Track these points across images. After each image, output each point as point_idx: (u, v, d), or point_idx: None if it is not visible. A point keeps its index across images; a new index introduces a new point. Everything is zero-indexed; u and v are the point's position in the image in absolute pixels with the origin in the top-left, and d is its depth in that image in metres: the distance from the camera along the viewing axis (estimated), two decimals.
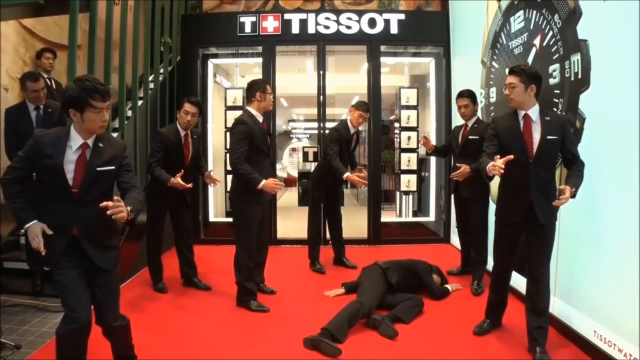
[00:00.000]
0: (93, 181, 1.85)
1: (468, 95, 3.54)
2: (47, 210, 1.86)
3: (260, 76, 5.09)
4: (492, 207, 3.43)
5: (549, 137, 2.30)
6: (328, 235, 4.33)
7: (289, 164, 13.16)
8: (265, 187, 2.96)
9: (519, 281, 3.02)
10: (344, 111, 11.22)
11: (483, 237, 3.51)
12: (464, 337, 2.67)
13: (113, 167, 1.91)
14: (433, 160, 5.44)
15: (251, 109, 3.12)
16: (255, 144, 3.02)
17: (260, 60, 5.17)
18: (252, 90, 3.13)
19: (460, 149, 3.62)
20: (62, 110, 1.86)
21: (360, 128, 4.12)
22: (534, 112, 2.37)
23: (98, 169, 1.86)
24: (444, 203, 5.15)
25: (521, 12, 3.29)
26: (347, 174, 3.69)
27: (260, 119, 3.11)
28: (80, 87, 1.77)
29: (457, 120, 4.86)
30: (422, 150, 5.49)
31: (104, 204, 1.67)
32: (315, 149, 5.24)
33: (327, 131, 4.37)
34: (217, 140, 5.51)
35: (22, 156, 1.86)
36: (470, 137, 3.52)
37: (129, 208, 1.73)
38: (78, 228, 1.87)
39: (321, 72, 5.13)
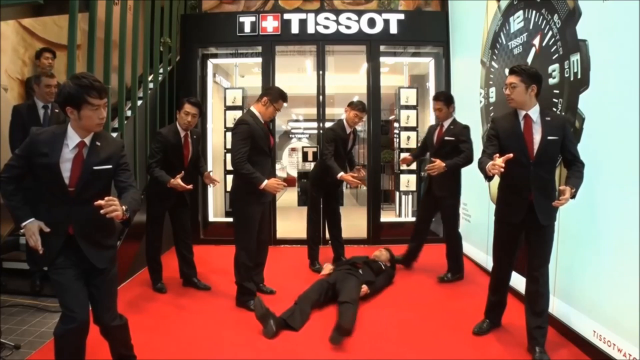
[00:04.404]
0: (89, 180, 1.85)
1: (442, 99, 3.64)
2: (43, 209, 1.86)
3: (259, 76, 5.12)
4: (488, 208, 3.43)
5: (549, 137, 2.30)
6: (328, 235, 4.32)
7: (288, 164, 13.17)
8: (268, 187, 2.96)
9: (518, 281, 3.02)
10: (343, 111, 11.24)
11: (455, 233, 3.76)
12: (463, 337, 2.67)
13: (110, 166, 1.91)
14: None
15: (254, 109, 3.11)
16: (257, 144, 3.02)
17: (259, 60, 5.17)
18: (265, 93, 3.13)
19: (435, 149, 3.70)
20: (60, 108, 1.85)
21: (358, 127, 4.12)
22: (534, 112, 2.36)
23: (95, 167, 1.85)
24: None
25: (520, 12, 3.29)
26: (341, 174, 3.69)
27: (262, 119, 3.11)
28: (77, 84, 1.77)
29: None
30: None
31: (98, 202, 1.67)
32: (315, 149, 5.25)
33: None
34: (216, 141, 5.51)
35: (19, 154, 1.86)
36: (446, 137, 3.62)
37: (124, 207, 1.72)
38: (74, 227, 1.86)
39: (321, 72, 5.14)
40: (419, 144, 4.17)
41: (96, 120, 1.83)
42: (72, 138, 1.84)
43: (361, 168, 4.08)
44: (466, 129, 3.64)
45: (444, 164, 3.39)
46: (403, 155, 3.91)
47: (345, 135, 3.92)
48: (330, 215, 4.20)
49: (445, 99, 3.64)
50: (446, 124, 3.65)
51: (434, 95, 3.73)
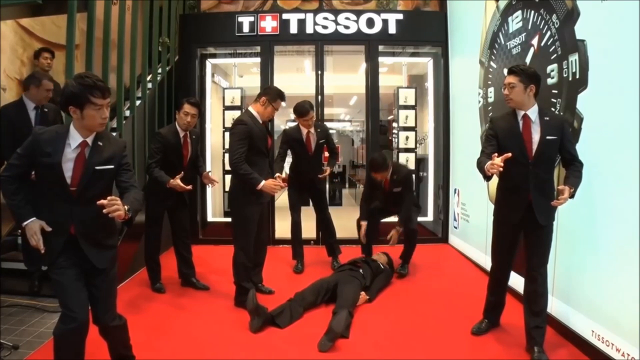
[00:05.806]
0: (91, 180, 1.85)
1: (384, 169, 3.65)
2: (45, 208, 1.85)
3: (258, 76, 5.11)
4: (487, 208, 3.44)
5: (548, 137, 2.30)
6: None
7: (286, 164, 13.12)
8: (265, 187, 2.96)
9: (517, 281, 3.02)
10: (343, 111, 11.21)
11: (415, 226, 3.90)
12: (462, 337, 2.67)
13: (112, 166, 1.91)
14: (431, 160, 5.43)
15: (252, 110, 3.11)
16: (254, 144, 3.02)
17: (258, 60, 5.17)
18: (264, 93, 3.13)
19: (384, 202, 3.84)
20: (62, 108, 1.85)
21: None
22: (533, 112, 2.37)
23: (97, 167, 1.85)
24: (442, 203, 5.16)
25: (519, 12, 3.30)
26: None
27: (260, 119, 3.11)
28: (80, 83, 1.77)
29: (455, 121, 4.88)
30: (421, 150, 5.51)
31: (100, 202, 1.67)
32: None
33: None
34: (215, 141, 5.51)
35: (21, 153, 1.86)
36: (394, 190, 3.75)
37: (126, 207, 1.73)
38: (76, 227, 1.86)
39: (319, 72, 5.14)
40: (365, 195, 4.00)
41: (99, 120, 1.84)
42: (75, 138, 1.84)
43: (328, 169, 4.07)
44: (410, 174, 3.87)
45: (402, 225, 3.71)
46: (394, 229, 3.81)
47: (299, 137, 3.91)
48: (317, 216, 4.18)
49: (386, 167, 3.65)
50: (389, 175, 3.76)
51: (374, 166, 3.64)
